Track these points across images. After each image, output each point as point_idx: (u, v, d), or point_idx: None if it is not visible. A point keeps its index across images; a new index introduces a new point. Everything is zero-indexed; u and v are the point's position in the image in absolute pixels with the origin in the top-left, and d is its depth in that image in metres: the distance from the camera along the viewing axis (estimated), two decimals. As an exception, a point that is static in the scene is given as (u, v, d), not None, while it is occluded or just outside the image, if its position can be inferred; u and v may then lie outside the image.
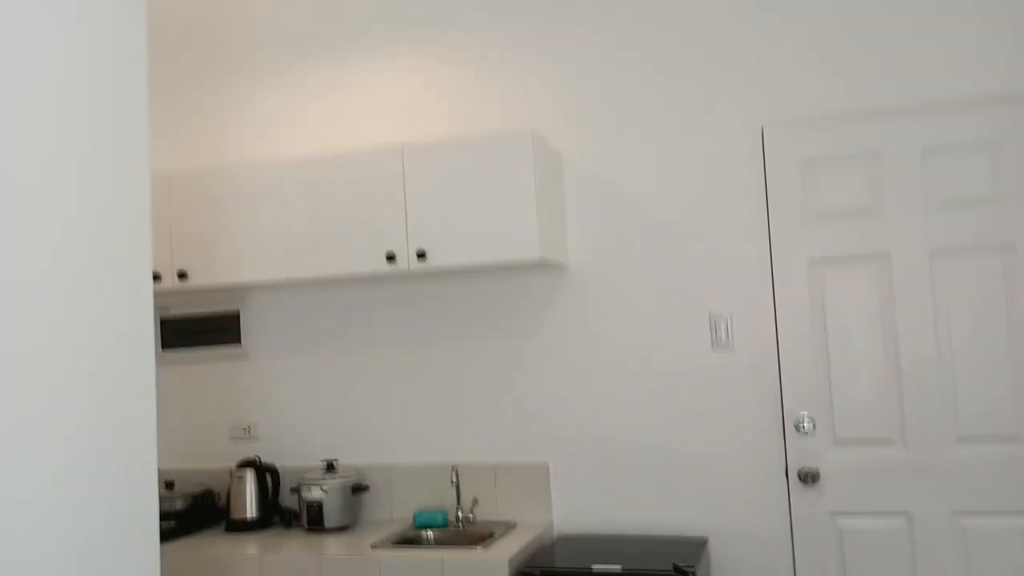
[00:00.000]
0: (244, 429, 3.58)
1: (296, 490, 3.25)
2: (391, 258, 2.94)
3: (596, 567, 2.61)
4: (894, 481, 2.87)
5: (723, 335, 3.05)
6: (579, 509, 3.16)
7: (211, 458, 3.62)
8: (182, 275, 3.16)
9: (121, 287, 1.50)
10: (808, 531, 2.93)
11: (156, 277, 3.19)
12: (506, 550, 2.76)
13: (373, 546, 2.90)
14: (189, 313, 3.67)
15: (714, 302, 3.07)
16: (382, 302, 3.43)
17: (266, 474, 3.38)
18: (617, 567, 2.59)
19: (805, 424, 2.96)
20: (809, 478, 2.93)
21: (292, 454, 3.52)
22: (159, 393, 3.70)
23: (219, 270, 3.15)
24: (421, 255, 2.91)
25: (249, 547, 3.00)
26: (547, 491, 3.18)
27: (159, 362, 3.70)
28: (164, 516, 3.31)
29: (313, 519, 3.18)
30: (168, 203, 3.21)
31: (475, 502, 3.21)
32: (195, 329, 3.66)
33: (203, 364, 3.65)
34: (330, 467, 3.28)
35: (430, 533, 3.14)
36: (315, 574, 2.82)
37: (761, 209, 3.04)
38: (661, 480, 3.09)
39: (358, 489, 3.25)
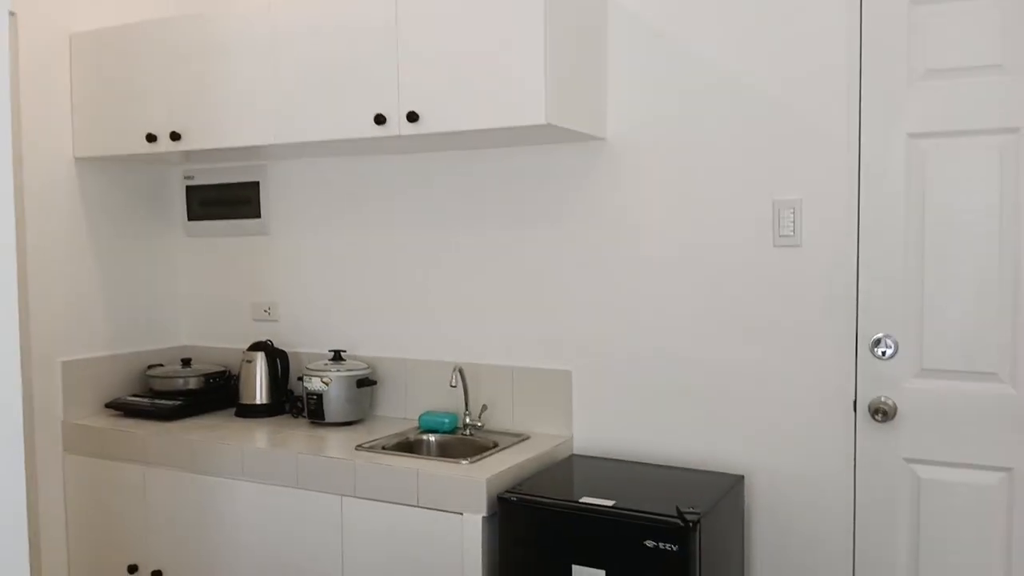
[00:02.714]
0: (265, 310, 3.33)
1: (300, 379, 2.98)
2: (380, 121, 2.49)
3: (585, 500, 2.17)
4: (994, 427, 2.21)
5: (788, 227, 2.42)
6: (603, 426, 2.69)
7: (232, 338, 3.41)
8: (175, 136, 2.86)
9: None
10: (875, 478, 2.34)
11: (152, 138, 2.90)
12: (494, 467, 2.36)
13: (358, 447, 2.58)
14: (211, 182, 3.40)
15: (780, 185, 2.43)
16: (400, 175, 3.00)
17: (277, 359, 3.13)
18: (609, 503, 2.14)
19: (884, 346, 2.32)
20: (882, 413, 2.31)
21: (311, 339, 3.24)
22: (184, 267, 3.50)
23: (210, 132, 2.82)
24: (412, 117, 2.43)
25: (237, 433, 2.76)
26: (568, 403, 2.73)
27: (185, 233, 3.48)
28: (174, 395, 3.14)
29: (313, 412, 2.90)
30: (163, 56, 2.88)
31: (484, 408, 2.81)
32: (217, 199, 3.39)
33: (226, 238, 3.40)
34: (337, 356, 2.97)
35: (432, 438, 2.79)
36: (289, 470, 2.55)
37: (852, 64, 2.33)
38: (700, 401, 2.56)
39: (364, 383, 2.93)
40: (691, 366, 2.56)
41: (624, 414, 2.66)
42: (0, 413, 1.58)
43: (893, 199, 2.29)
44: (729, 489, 2.31)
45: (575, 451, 2.73)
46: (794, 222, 2.41)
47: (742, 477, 2.44)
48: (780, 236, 2.43)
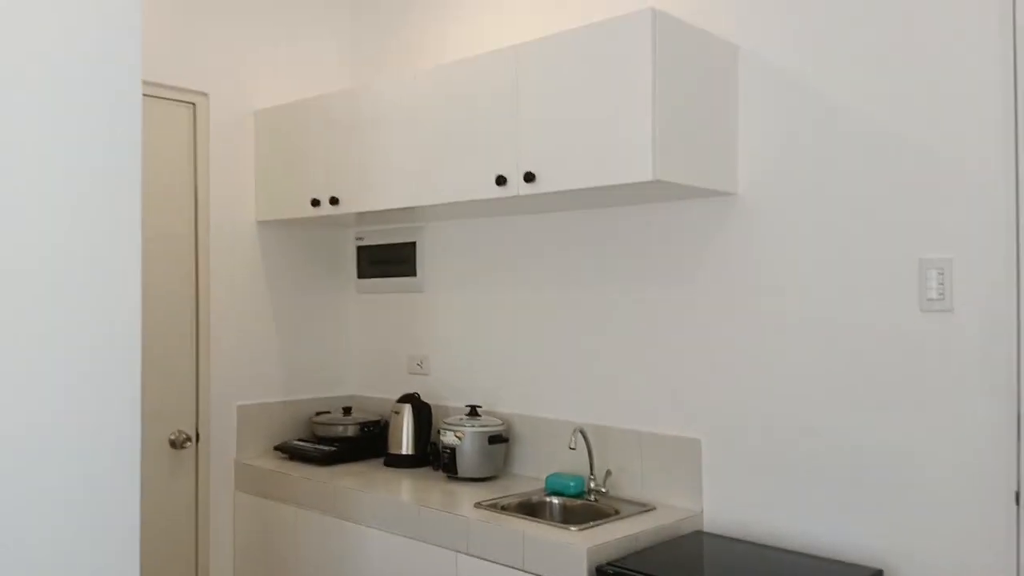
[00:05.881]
0: (418, 363, 3.46)
1: (439, 432, 3.05)
2: (501, 182, 2.53)
3: (684, 580, 2.02)
4: None
5: (936, 290, 2.16)
6: (733, 501, 2.51)
7: (391, 388, 3.57)
8: (334, 201, 3.08)
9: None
10: (1044, 585, 1.99)
11: (316, 203, 3.15)
12: (602, 536, 2.28)
13: (477, 505, 2.59)
14: (376, 243, 3.62)
15: (928, 243, 2.18)
16: (534, 236, 3.03)
17: (421, 411, 3.23)
18: (708, 586, 1.98)
19: (1053, 429, 1.99)
20: (1051, 509, 1.97)
21: (455, 393, 3.31)
22: (354, 321, 3.73)
23: (361, 196, 3.01)
24: (529, 178, 2.46)
25: (376, 483, 2.87)
26: (698, 473, 2.58)
27: (356, 290, 3.72)
28: (333, 441, 3.33)
29: (447, 465, 2.95)
30: (324, 128, 3.14)
31: (609, 473, 2.72)
32: (381, 259, 3.60)
33: (389, 294, 3.59)
34: (473, 412, 3.02)
35: (556, 501, 2.73)
36: (411, 522, 2.60)
37: (1008, 108, 2.06)
38: (838, 482, 2.31)
39: (496, 439, 2.94)
40: (828, 441, 2.33)
41: (755, 489, 2.46)
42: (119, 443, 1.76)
43: (1062, 258, 1.98)
44: (861, 584, 2.06)
45: (705, 527, 2.56)
46: (944, 283, 2.15)
47: (880, 572, 2.16)
48: (927, 300, 2.17)
